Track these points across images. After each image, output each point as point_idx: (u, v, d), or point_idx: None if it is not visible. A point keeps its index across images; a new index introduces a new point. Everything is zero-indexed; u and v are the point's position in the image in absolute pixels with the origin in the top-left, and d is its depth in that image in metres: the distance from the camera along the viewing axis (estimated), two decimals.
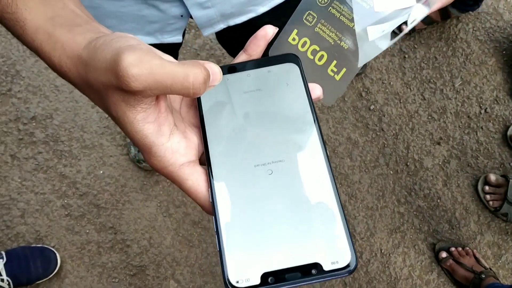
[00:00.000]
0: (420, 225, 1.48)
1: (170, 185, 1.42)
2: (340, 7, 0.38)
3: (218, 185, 0.29)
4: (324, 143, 0.30)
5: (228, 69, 0.33)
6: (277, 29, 0.33)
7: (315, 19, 0.38)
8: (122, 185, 1.41)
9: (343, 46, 0.38)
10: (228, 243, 0.27)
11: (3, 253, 1.28)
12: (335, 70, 0.38)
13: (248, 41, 0.33)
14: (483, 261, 1.40)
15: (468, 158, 1.53)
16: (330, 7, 0.38)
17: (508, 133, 1.51)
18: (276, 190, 0.28)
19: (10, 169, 1.39)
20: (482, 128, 1.55)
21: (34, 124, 1.41)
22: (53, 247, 1.35)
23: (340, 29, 0.38)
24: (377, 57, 1.57)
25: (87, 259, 1.37)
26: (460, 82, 1.58)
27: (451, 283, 1.43)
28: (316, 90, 0.33)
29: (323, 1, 0.38)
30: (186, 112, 0.33)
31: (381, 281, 1.43)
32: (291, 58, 0.34)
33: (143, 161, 1.37)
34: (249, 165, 0.29)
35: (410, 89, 1.56)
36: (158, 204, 1.41)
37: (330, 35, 0.38)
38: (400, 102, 1.55)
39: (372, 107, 1.54)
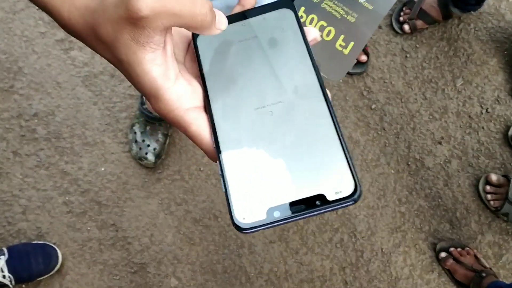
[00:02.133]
0: (421, 225, 1.48)
1: (172, 182, 1.43)
2: None
3: (220, 129, 0.30)
4: (322, 81, 0.30)
5: None
6: None
7: None
8: (123, 182, 1.41)
9: (350, 20, 0.38)
10: (233, 183, 0.28)
11: (5, 249, 1.28)
12: (343, 44, 0.38)
13: None
14: (483, 260, 1.40)
15: (469, 158, 1.53)
16: None
17: (509, 133, 1.51)
18: (277, 130, 0.29)
19: (12, 165, 1.39)
20: (483, 128, 1.56)
21: (36, 120, 1.41)
22: (55, 243, 1.35)
23: (346, 3, 0.38)
24: (378, 56, 1.57)
25: (88, 256, 1.37)
26: (462, 82, 1.58)
27: (452, 283, 1.43)
28: (312, 32, 0.33)
29: None
30: (190, 65, 0.34)
31: (381, 280, 1.43)
32: (285, 3, 0.34)
33: (145, 159, 1.37)
34: (249, 108, 0.30)
35: (411, 88, 1.57)
36: (160, 202, 1.41)
37: (337, 9, 0.38)
38: (402, 102, 1.55)
39: (373, 106, 1.54)
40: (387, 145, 1.52)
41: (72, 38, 1.47)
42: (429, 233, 1.47)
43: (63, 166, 1.40)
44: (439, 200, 1.50)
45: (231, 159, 0.29)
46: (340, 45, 0.38)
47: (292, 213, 0.27)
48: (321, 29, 0.39)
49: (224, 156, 0.29)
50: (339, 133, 0.29)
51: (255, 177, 0.28)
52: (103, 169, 1.41)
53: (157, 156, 1.38)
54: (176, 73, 0.29)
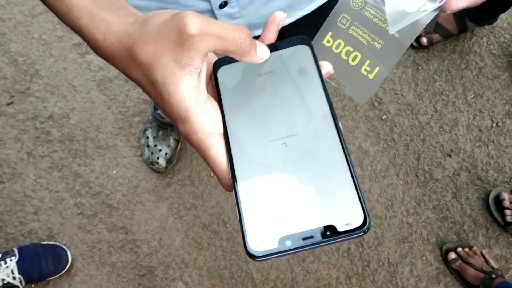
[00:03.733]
0: (428, 236, 1.48)
1: (182, 187, 1.44)
2: (373, 10, 0.40)
3: (236, 159, 0.31)
4: (335, 116, 0.32)
5: None
6: (286, 14, 0.35)
7: (349, 21, 0.40)
8: (134, 186, 1.43)
9: (376, 46, 0.39)
10: (247, 212, 0.29)
11: (16, 250, 1.30)
12: (368, 69, 0.40)
13: (262, 30, 0.36)
14: (491, 261, 1.40)
15: (479, 171, 1.53)
16: (364, 10, 0.40)
17: None
18: (291, 161, 0.30)
19: (26, 166, 1.41)
20: (493, 141, 1.56)
21: (50, 123, 1.44)
22: (65, 244, 1.37)
23: (373, 30, 0.39)
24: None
25: (98, 257, 1.38)
26: (473, 95, 1.59)
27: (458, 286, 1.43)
28: (326, 66, 0.35)
29: (356, 4, 0.40)
30: (211, 93, 0.35)
31: None
32: (303, 40, 0.35)
33: (156, 163, 1.39)
34: (265, 140, 0.31)
35: (422, 100, 1.57)
36: (169, 206, 1.43)
37: (363, 36, 0.40)
38: (412, 113, 1.56)
39: (384, 117, 1.55)
40: (396, 156, 1.53)
41: None
42: (436, 245, 1.48)
43: (76, 168, 1.42)
44: (447, 212, 1.50)
45: (246, 189, 0.30)
46: (366, 70, 0.40)
47: (303, 243, 0.28)
48: (347, 54, 0.40)
49: (240, 185, 0.30)
50: (351, 166, 0.29)
51: (269, 207, 0.29)
52: (114, 172, 1.43)
53: (169, 161, 1.40)
54: (205, 98, 0.31)
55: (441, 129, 1.56)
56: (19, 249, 1.31)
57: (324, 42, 0.41)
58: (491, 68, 1.60)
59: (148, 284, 1.39)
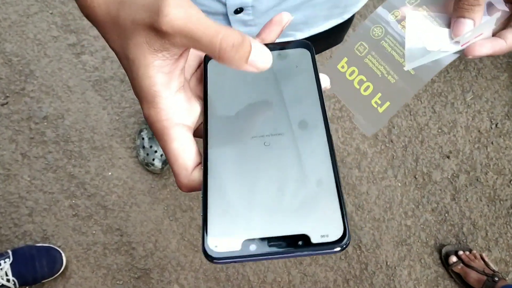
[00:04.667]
0: (427, 239, 1.47)
1: (178, 189, 1.43)
2: (393, 42, 0.38)
3: (212, 151, 0.29)
4: (327, 123, 0.30)
5: None
6: (292, 17, 0.33)
7: (366, 50, 0.39)
8: (130, 187, 1.42)
9: (390, 80, 0.38)
10: (213, 207, 0.26)
11: (10, 252, 1.29)
12: (379, 102, 0.38)
13: (263, 27, 0.34)
14: (491, 264, 1.39)
15: (478, 173, 1.52)
16: (383, 41, 0.38)
17: None
18: (270, 161, 0.28)
19: (20, 167, 1.40)
20: (492, 143, 1.55)
21: (45, 123, 1.43)
22: (59, 246, 1.36)
23: (389, 63, 0.38)
24: None
25: (93, 260, 1.37)
26: (472, 96, 1.57)
27: None
28: (323, 80, 0.33)
29: (376, 34, 0.39)
30: (194, 84, 0.33)
31: None
32: (304, 44, 0.34)
33: (151, 164, 1.38)
34: (245, 136, 0.29)
35: (421, 101, 1.56)
36: (165, 208, 1.42)
37: (378, 67, 0.38)
38: (411, 115, 1.55)
39: None
40: (394, 157, 1.52)
41: (84, 43, 1.48)
42: (435, 248, 1.46)
43: (71, 169, 1.41)
44: (446, 215, 1.49)
45: (217, 183, 0.27)
46: (376, 102, 0.38)
47: (270, 249, 0.25)
48: (360, 83, 0.39)
49: (210, 178, 0.28)
50: (336, 175, 0.27)
51: (238, 205, 0.26)
52: (110, 173, 1.42)
53: (164, 162, 1.39)
54: (179, 86, 0.29)
55: (439, 130, 1.54)
56: (13, 251, 1.30)
57: (339, 66, 0.39)
58: (490, 69, 1.58)
59: (143, 287, 1.37)
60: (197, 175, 0.28)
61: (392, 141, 1.52)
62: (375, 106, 0.38)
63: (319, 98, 0.31)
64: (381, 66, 0.38)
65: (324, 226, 0.25)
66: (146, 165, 1.39)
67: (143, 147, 1.39)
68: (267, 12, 0.60)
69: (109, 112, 1.45)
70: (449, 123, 1.55)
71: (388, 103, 0.38)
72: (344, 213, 0.25)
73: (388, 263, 1.44)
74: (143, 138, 1.39)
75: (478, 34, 0.36)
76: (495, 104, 1.57)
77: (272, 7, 0.59)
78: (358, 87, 0.39)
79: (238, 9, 0.58)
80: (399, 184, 1.50)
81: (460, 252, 1.40)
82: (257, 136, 0.29)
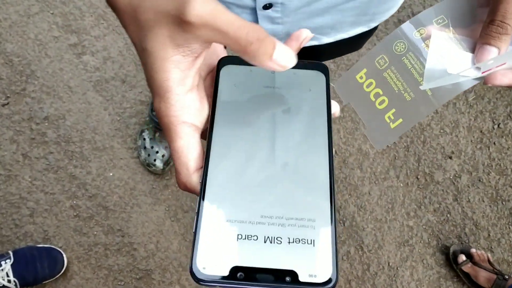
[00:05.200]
0: (429, 240, 1.46)
1: (179, 189, 1.42)
2: (414, 59, 0.38)
3: (212, 166, 0.28)
4: (331, 159, 0.29)
5: None
6: (312, 35, 0.32)
7: (387, 64, 0.38)
8: (131, 188, 1.41)
9: (406, 97, 0.37)
10: (206, 226, 0.26)
11: (11, 253, 1.28)
12: (392, 118, 0.38)
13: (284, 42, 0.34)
14: (496, 265, 1.38)
15: (480, 173, 1.52)
16: (404, 57, 0.38)
17: None
18: (270, 189, 0.28)
19: (21, 168, 1.39)
20: (494, 143, 1.54)
21: (46, 124, 1.42)
22: (61, 247, 1.35)
23: (408, 80, 0.38)
24: None
25: (94, 261, 1.37)
26: (474, 96, 1.57)
27: None
28: (336, 107, 0.33)
29: (399, 49, 0.38)
30: (209, 84, 0.33)
31: None
32: (321, 67, 0.33)
33: (153, 165, 1.38)
34: (247, 155, 0.29)
35: None
36: (167, 209, 1.41)
37: (396, 83, 0.38)
38: None
39: None
40: (396, 158, 1.51)
41: (85, 43, 1.48)
42: (437, 248, 1.46)
43: (72, 170, 1.41)
44: (448, 215, 1.48)
45: (213, 200, 0.27)
46: (389, 117, 0.38)
47: (257, 280, 0.25)
48: (376, 96, 0.38)
49: (208, 194, 0.27)
50: (332, 215, 0.27)
51: (231, 229, 0.26)
52: (111, 174, 1.41)
53: (166, 163, 1.38)
54: (192, 85, 0.29)
55: (442, 130, 1.54)
56: (14, 252, 1.29)
57: (357, 77, 0.39)
58: None
59: None
60: (196, 179, 0.28)
61: (394, 142, 1.52)
62: (388, 121, 0.38)
63: (327, 127, 0.30)
64: (399, 82, 0.38)
65: (314, 266, 0.25)
66: (148, 166, 1.39)
67: (145, 147, 1.38)
68: (295, 11, 0.59)
69: (110, 112, 1.45)
70: (451, 124, 1.54)
71: (400, 120, 0.37)
72: (334, 255, 0.25)
73: (390, 264, 1.43)
74: (144, 139, 1.39)
75: (501, 63, 0.35)
76: (497, 104, 1.56)
77: (301, 7, 0.58)
78: (373, 99, 0.38)
79: (268, 5, 0.57)
80: (401, 185, 1.49)
81: (473, 250, 1.39)
82: (260, 158, 0.29)
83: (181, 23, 0.25)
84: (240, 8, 0.59)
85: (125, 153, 1.43)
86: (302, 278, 0.25)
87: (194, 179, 0.29)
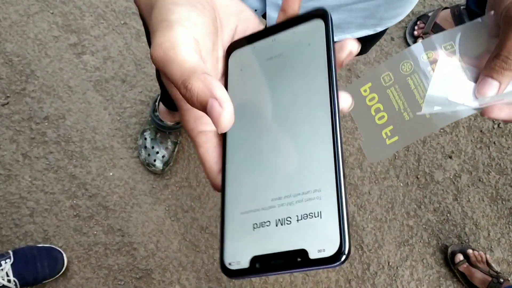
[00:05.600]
0: (429, 239, 1.46)
1: (179, 189, 1.42)
2: (418, 81, 0.38)
3: (228, 162, 0.29)
4: (335, 119, 0.26)
5: (254, 37, 0.32)
6: (359, 48, 0.30)
7: (391, 81, 0.39)
8: (131, 187, 1.41)
9: (405, 116, 0.38)
10: (230, 225, 0.27)
11: (11, 252, 1.28)
12: (389, 134, 0.38)
13: None
14: (494, 266, 1.38)
15: (480, 173, 1.52)
16: (409, 77, 0.38)
17: None
18: (277, 172, 0.27)
19: (21, 168, 1.39)
20: (494, 143, 1.54)
21: (46, 124, 1.42)
22: (61, 247, 1.35)
23: (409, 100, 0.38)
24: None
25: (94, 260, 1.37)
26: None
27: None
28: (347, 100, 0.28)
29: (405, 69, 0.39)
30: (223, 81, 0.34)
31: None
32: (319, 13, 0.29)
33: (153, 165, 1.38)
34: (258, 140, 0.29)
35: None
36: (167, 208, 1.41)
37: (398, 101, 0.38)
38: None
39: None
40: (396, 157, 1.51)
41: (85, 43, 1.47)
42: (437, 248, 1.46)
43: (72, 169, 1.41)
44: (448, 215, 1.48)
45: (231, 195, 0.28)
46: (386, 133, 0.38)
47: (272, 266, 0.24)
48: (377, 111, 0.39)
49: (227, 190, 0.28)
50: (339, 181, 0.25)
51: (248, 220, 0.27)
52: (111, 174, 1.41)
53: (166, 163, 1.38)
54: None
55: (441, 130, 1.54)
56: (14, 252, 1.29)
57: (362, 89, 0.40)
58: None
59: (145, 287, 1.37)
60: (220, 179, 0.30)
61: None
62: (384, 137, 0.38)
63: (329, 86, 0.27)
64: (401, 101, 0.38)
65: (322, 240, 0.24)
66: (147, 166, 1.39)
67: (145, 147, 1.38)
68: (304, 3, 0.58)
69: (110, 112, 1.45)
70: (451, 123, 1.54)
71: (396, 137, 0.38)
72: (343, 225, 0.23)
73: (390, 264, 1.43)
74: (145, 138, 1.39)
75: (499, 99, 0.36)
76: None
77: (310, 0, 0.58)
78: (374, 114, 0.39)
79: None
80: (401, 184, 1.49)
81: (470, 251, 1.39)
82: (265, 142, 0.28)
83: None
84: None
85: (125, 153, 1.43)
86: (312, 255, 0.24)
87: (219, 180, 0.30)
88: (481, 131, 1.54)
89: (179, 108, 0.30)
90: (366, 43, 0.76)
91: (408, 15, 1.63)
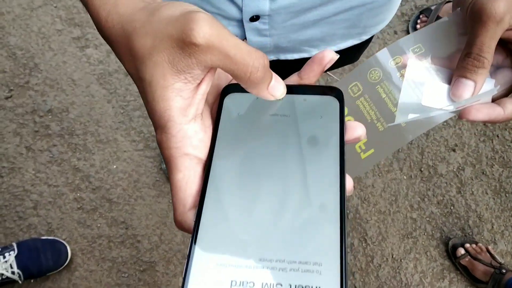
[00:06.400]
0: (433, 232, 1.46)
1: None
2: (388, 89, 0.36)
3: (207, 203, 0.26)
4: (343, 193, 0.26)
5: None
6: (338, 56, 0.30)
7: (360, 92, 0.37)
8: (135, 180, 1.41)
9: (379, 127, 0.36)
10: (196, 273, 0.23)
11: (15, 245, 1.29)
12: (363, 148, 0.36)
13: (305, 64, 0.31)
14: (497, 256, 1.38)
15: (483, 166, 1.51)
16: (379, 86, 0.37)
17: None
18: (270, 231, 0.25)
19: (25, 160, 1.39)
20: (498, 136, 1.54)
21: (50, 117, 1.42)
22: (64, 239, 1.35)
23: (381, 110, 0.36)
24: None
25: (98, 253, 1.37)
26: None
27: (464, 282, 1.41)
28: (358, 129, 0.29)
29: (373, 77, 0.37)
30: (212, 117, 0.31)
31: (391, 286, 1.41)
32: (334, 91, 0.30)
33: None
34: (249, 189, 0.26)
35: None
36: (170, 201, 1.41)
37: (369, 112, 0.36)
38: None
39: None
40: (400, 150, 1.51)
41: (88, 36, 1.48)
42: (440, 241, 1.46)
43: (75, 162, 1.41)
44: (452, 208, 1.48)
45: (206, 242, 0.24)
46: (360, 147, 0.36)
47: None
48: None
49: (200, 234, 0.24)
50: (343, 258, 0.23)
51: (224, 275, 0.23)
52: (115, 166, 1.41)
53: None
54: (196, 113, 0.27)
55: (445, 123, 1.54)
56: (18, 244, 1.29)
57: None
58: None
59: (149, 280, 1.37)
60: (191, 216, 0.26)
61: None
62: (359, 151, 0.36)
63: (339, 160, 0.27)
64: (372, 111, 0.36)
65: None
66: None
67: None
68: (283, 23, 0.57)
69: (114, 105, 1.45)
70: (455, 116, 1.54)
71: (372, 150, 0.36)
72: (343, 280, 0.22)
73: (394, 256, 1.43)
74: None
75: (476, 100, 0.34)
76: None
77: (289, 19, 0.57)
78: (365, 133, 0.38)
79: (254, 17, 0.55)
80: (405, 177, 1.49)
81: (467, 245, 1.39)
82: (258, 195, 0.26)
83: (184, 46, 0.23)
84: (226, 20, 0.57)
85: (128, 146, 1.43)
86: None
87: (189, 217, 0.26)
88: (484, 124, 1.54)
89: (166, 121, 0.26)
90: (354, 51, 0.74)
91: (411, 9, 1.63)
